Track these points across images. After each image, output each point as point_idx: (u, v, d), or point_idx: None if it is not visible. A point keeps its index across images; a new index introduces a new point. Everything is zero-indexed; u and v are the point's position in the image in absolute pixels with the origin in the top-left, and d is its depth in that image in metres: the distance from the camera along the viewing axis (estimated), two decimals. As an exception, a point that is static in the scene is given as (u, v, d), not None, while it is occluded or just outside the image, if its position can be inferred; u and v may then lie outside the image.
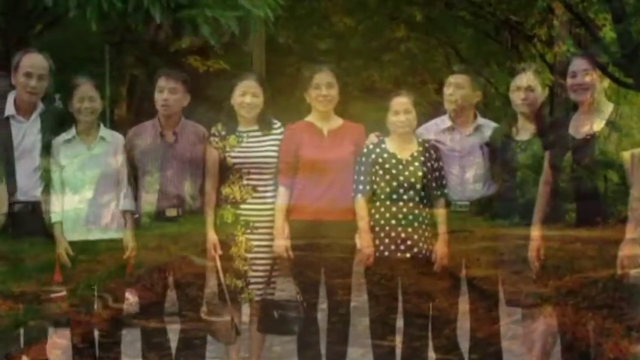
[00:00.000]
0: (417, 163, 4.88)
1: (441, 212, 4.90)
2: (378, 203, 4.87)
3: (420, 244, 4.83)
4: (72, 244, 4.84)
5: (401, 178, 4.86)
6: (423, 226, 4.85)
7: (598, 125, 4.49)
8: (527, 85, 4.85)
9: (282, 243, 4.85)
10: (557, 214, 4.57)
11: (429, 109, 14.55)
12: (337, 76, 4.95)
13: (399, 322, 4.91)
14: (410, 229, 4.82)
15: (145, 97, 11.80)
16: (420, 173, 4.86)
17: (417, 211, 4.84)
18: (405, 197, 4.84)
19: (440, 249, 4.84)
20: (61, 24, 9.48)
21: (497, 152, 4.90)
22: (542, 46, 11.40)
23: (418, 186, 4.85)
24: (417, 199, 4.84)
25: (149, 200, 4.92)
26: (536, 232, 4.59)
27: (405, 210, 4.83)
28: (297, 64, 15.50)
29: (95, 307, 4.95)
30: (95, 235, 4.88)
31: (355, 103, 16.29)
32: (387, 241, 4.83)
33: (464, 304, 4.98)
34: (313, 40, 17.09)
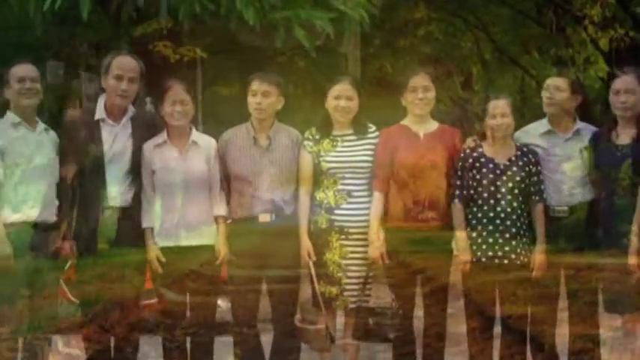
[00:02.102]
0: (515, 168, 4.79)
1: (539, 218, 4.80)
2: (475, 208, 4.79)
3: (518, 250, 4.75)
4: (163, 250, 4.75)
5: (498, 182, 4.77)
6: (521, 232, 4.77)
7: None
8: (627, 87, 4.73)
9: (377, 249, 4.76)
10: (612, 238, 4.46)
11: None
12: (433, 79, 4.85)
13: (496, 329, 4.84)
14: (507, 235, 4.75)
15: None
16: (518, 178, 4.77)
17: (514, 217, 4.75)
18: (502, 202, 4.75)
19: (538, 255, 4.76)
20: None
21: (597, 157, 4.80)
22: (595, 30, 9.79)
23: (516, 191, 4.77)
24: (514, 204, 4.76)
25: (242, 205, 4.83)
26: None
27: (502, 215, 4.75)
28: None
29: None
30: (187, 241, 4.79)
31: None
32: (484, 247, 4.75)
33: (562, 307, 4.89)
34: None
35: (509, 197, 4.75)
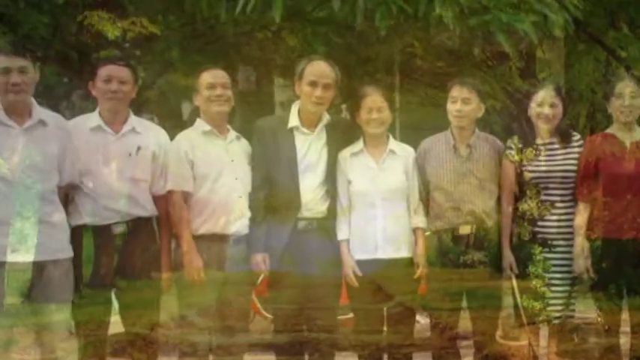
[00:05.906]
0: None
1: None
2: (683, 221, 4.60)
3: None
4: (359, 263, 4.56)
5: None
6: None
7: None
8: None
9: (582, 262, 4.58)
10: None
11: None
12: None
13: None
14: None
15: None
16: None
17: None
18: None
19: None
20: None
21: None
22: None
23: None
24: None
25: (441, 216, 4.65)
26: None
27: None
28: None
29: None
30: (384, 254, 4.59)
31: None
32: (693, 260, 4.57)
33: None
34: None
35: None
